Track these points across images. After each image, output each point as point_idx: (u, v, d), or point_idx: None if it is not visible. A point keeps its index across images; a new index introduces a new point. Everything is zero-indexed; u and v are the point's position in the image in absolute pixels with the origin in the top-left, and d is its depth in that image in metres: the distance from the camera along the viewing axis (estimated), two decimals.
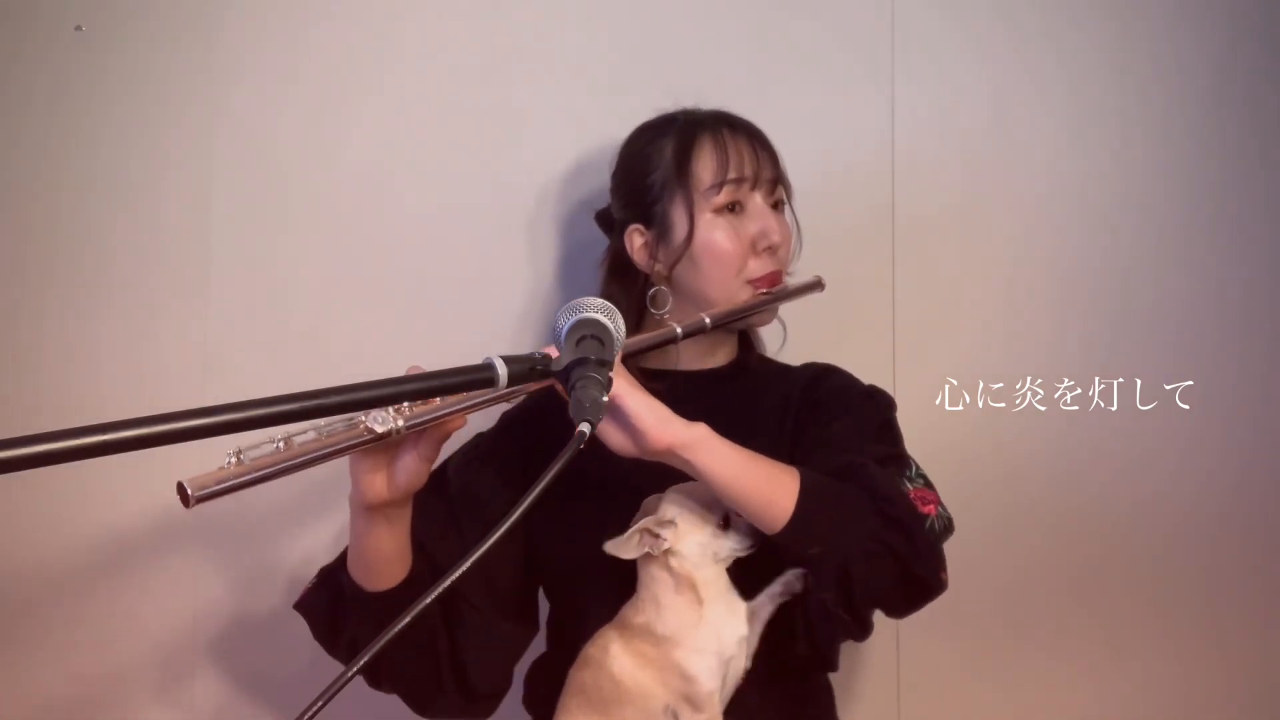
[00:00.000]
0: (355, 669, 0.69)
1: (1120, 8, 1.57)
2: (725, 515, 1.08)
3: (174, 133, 1.51)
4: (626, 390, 0.98)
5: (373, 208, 1.53)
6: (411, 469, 1.01)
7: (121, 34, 1.51)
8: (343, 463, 1.44)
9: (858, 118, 1.57)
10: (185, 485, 0.79)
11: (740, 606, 1.10)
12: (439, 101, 1.54)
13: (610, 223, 1.33)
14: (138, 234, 1.51)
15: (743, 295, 1.22)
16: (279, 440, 0.86)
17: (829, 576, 1.03)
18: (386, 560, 1.09)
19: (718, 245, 1.21)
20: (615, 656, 1.07)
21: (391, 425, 0.90)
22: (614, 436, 1.00)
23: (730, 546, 1.08)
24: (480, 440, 1.31)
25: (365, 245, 1.52)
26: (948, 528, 1.08)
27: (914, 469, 1.13)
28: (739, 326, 1.28)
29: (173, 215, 1.51)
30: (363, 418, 0.90)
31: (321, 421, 0.88)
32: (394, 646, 1.10)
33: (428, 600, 0.73)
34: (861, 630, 1.07)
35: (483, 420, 1.41)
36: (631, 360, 1.25)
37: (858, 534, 1.02)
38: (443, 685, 1.18)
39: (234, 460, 0.83)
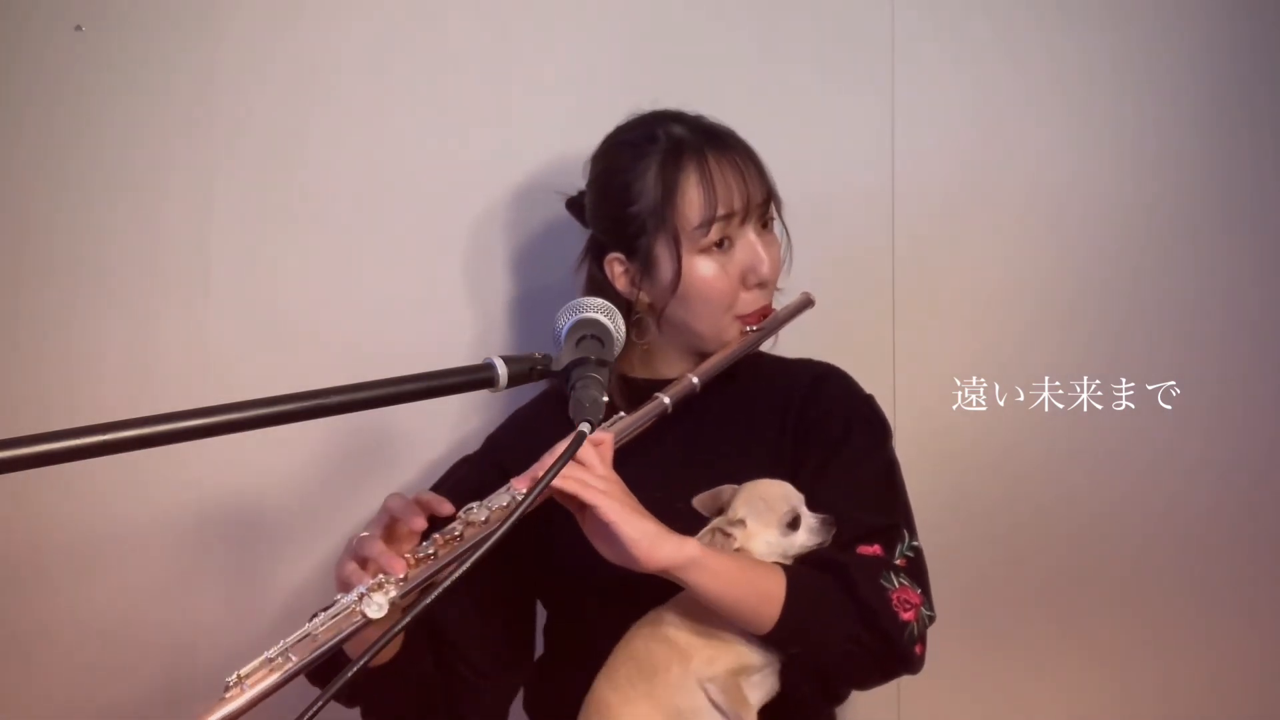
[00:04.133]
0: (332, 691, 0.69)
1: (1119, 12, 1.57)
2: (795, 515, 1.09)
3: (174, 133, 1.51)
4: (619, 515, 0.98)
5: (373, 207, 1.53)
6: None
7: (121, 34, 1.51)
8: (350, 466, 1.46)
9: (857, 119, 1.56)
10: None
11: None
12: (441, 100, 1.54)
13: (582, 210, 1.28)
14: (138, 234, 1.50)
15: (732, 330, 1.20)
16: (280, 654, 0.87)
17: (807, 671, 1.07)
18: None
19: (707, 284, 1.17)
20: (671, 623, 1.07)
21: (386, 608, 0.91)
22: (606, 550, 1.01)
23: (798, 544, 1.08)
24: (464, 467, 1.28)
25: (365, 245, 1.52)
26: (927, 626, 1.09)
27: (905, 541, 1.12)
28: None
29: (173, 215, 1.51)
30: (356, 602, 0.91)
31: (319, 619, 0.90)
32: (392, 695, 1.12)
33: (424, 604, 0.72)
34: (838, 700, 1.21)
35: (471, 438, 1.41)
36: (619, 368, 1.22)
37: (837, 636, 1.05)
38: None
39: (236, 687, 0.85)
